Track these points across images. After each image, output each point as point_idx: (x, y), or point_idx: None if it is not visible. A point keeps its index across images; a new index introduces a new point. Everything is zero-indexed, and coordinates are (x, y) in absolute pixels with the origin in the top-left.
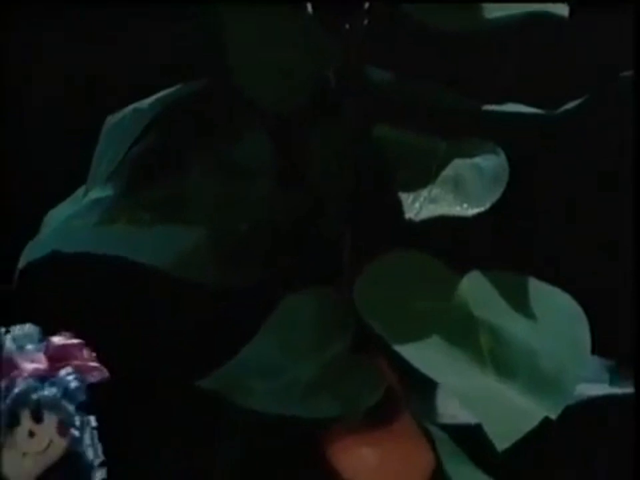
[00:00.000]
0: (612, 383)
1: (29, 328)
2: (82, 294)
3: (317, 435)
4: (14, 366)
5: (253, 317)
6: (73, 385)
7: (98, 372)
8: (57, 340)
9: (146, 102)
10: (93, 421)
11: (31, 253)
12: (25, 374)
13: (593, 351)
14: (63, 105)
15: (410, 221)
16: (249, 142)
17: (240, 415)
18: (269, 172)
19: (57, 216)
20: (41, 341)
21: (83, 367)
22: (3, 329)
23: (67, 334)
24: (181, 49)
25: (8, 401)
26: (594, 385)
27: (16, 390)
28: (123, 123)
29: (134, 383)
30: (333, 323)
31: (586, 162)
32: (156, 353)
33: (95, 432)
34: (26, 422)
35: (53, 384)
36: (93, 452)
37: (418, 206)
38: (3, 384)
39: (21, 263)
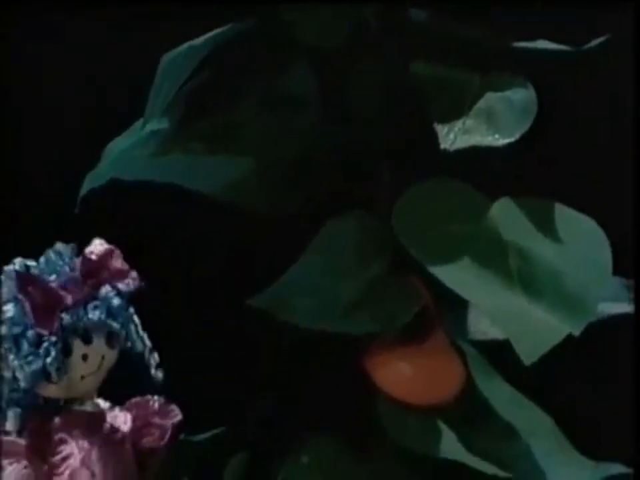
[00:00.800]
0: (632, 301)
1: (59, 247)
2: (139, 219)
3: (356, 350)
4: (56, 298)
5: (298, 240)
6: (116, 302)
7: (131, 278)
8: (88, 253)
9: (199, 40)
10: (134, 315)
11: (92, 181)
12: (68, 303)
13: (615, 272)
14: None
15: (445, 151)
16: (294, 77)
17: (285, 332)
18: (312, 105)
19: (116, 147)
20: (74, 256)
21: (116, 275)
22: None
23: (99, 240)
24: None
25: (58, 336)
26: (615, 303)
27: (63, 323)
28: (177, 60)
29: (189, 302)
30: (372, 246)
31: (606, 97)
32: (209, 274)
33: (139, 323)
34: (78, 348)
35: (96, 307)
36: (140, 343)
37: (452, 137)
38: (49, 320)
39: (83, 191)
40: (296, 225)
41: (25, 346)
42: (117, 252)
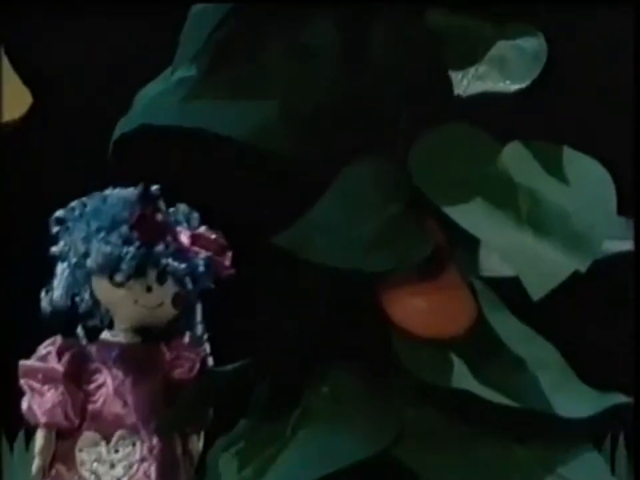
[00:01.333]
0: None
1: (190, 211)
2: (168, 163)
3: (374, 286)
4: (163, 230)
5: (320, 182)
6: (201, 269)
7: (228, 271)
8: (205, 231)
9: None
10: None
11: (123, 126)
12: (168, 239)
13: (619, 212)
14: None
15: (458, 97)
16: (316, 27)
17: (307, 271)
18: (334, 53)
19: (147, 93)
20: (194, 226)
21: (217, 263)
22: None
23: (218, 233)
24: None
25: (142, 253)
26: (619, 241)
27: (154, 249)
28: (206, 10)
29: None
30: (389, 188)
31: (610, 46)
32: (235, 213)
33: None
34: (150, 278)
35: (184, 260)
36: (201, 329)
37: (466, 83)
38: (146, 238)
39: (115, 135)
40: (317, 167)
41: (116, 234)
42: (230, 253)
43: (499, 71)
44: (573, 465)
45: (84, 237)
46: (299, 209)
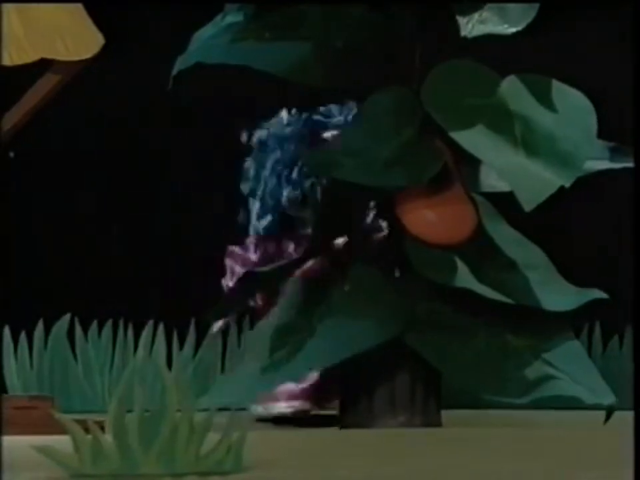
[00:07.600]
0: (612, 160)
1: (351, 105)
2: (219, 94)
3: (390, 199)
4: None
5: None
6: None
7: None
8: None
9: None
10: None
11: (181, 64)
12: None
13: (599, 136)
14: None
15: (465, 38)
16: None
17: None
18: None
19: (201, 36)
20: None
21: None
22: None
23: None
24: None
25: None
26: (599, 161)
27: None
28: None
29: None
30: (405, 114)
31: None
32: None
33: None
34: None
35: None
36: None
37: (471, 26)
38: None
39: (174, 71)
40: (344, 98)
41: (296, 172)
42: None
43: (498, 17)
44: (556, 351)
45: (270, 173)
46: None
